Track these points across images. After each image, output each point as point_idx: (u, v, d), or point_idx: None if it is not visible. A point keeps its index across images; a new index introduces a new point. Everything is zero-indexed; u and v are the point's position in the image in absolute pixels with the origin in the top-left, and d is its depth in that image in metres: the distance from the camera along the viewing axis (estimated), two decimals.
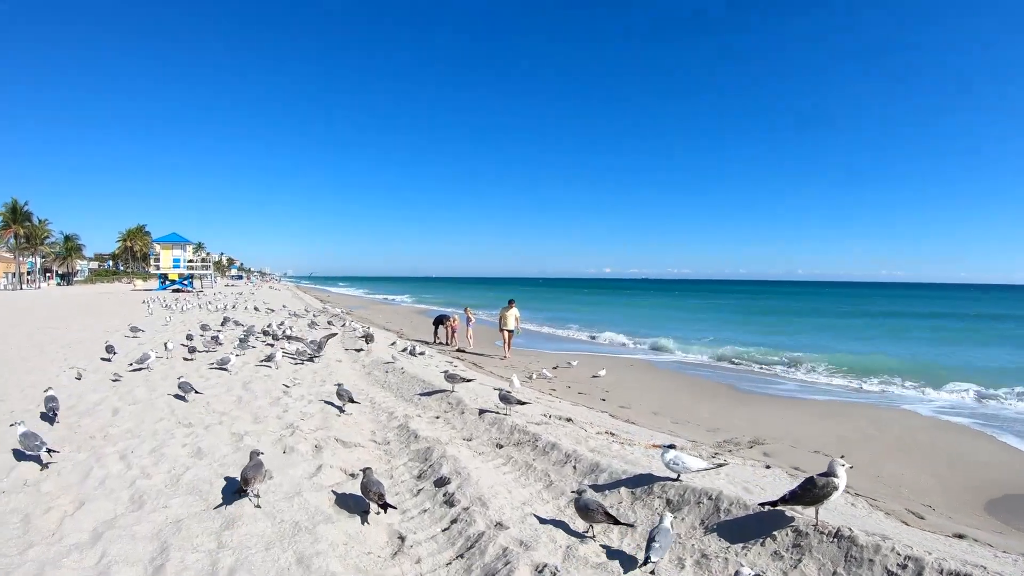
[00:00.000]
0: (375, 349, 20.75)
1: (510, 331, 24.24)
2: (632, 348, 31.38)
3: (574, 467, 8.53)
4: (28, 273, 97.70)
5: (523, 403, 11.79)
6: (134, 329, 23.18)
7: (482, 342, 28.20)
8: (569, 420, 11.88)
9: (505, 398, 11.50)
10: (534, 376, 18.52)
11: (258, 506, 6.89)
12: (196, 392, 12.54)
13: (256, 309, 39.50)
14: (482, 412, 11.67)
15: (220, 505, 6.87)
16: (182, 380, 12.69)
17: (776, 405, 17.44)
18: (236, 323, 27.59)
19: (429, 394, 13.60)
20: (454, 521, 6.80)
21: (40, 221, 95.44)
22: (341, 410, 11.99)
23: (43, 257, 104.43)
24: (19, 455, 8.19)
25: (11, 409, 10.90)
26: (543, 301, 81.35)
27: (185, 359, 17.04)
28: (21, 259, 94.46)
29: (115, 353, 16.99)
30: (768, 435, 13.24)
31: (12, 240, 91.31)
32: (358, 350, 20.96)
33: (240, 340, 20.01)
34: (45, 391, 10.69)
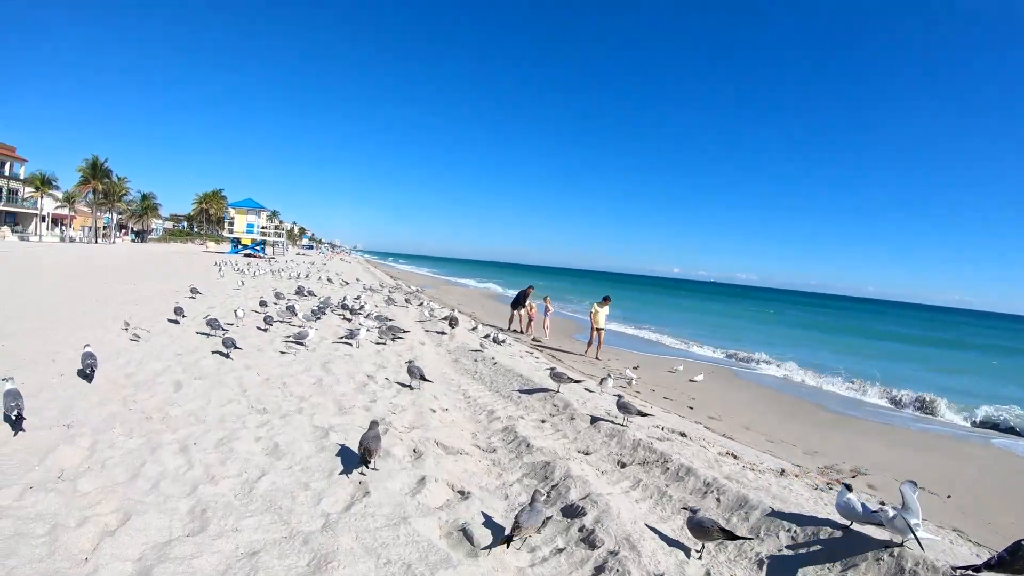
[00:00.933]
0: (458, 334, 19.15)
1: (600, 329, 22.09)
2: (708, 354, 29.23)
3: (717, 499, 6.93)
4: (104, 228, 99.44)
5: (645, 414, 10.04)
6: (194, 291, 22.08)
7: (557, 334, 26.62)
8: (683, 435, 10.06)
9: (624, 406, 9.70)
10: (632, 382, 16.68)
11: (375, 468, 6.73)
12: (237, 348, 12.39)
13: (330, 280, 38.04)
14: (595, 420, 9.95)
15: (307, 532, 5.30)
16: (225, 336, 12.68)
17: (869, 430, 15.89)
18: (310, 293, 26.22)
19: (530, 392, 11.91)
20: (600, 570, 5.34)
21: (119, 178, 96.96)
22: (411, 388, 11.21)
23: (120, 214, 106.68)
24: (6, 418, 7.00)
25: (60, 372, 9.70)
26: (614, 298, 79.17)
27: (259, 328, 15.66)
28: (98, 214, 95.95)
29: (184, 316, 15.84)
30: (868, 464, 11.76)
31: (91, 195, 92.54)
32: (440, 333, 19.38)
33: (313, 311, 18.62)
34: (85, 346, 10.02)
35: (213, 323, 14.17)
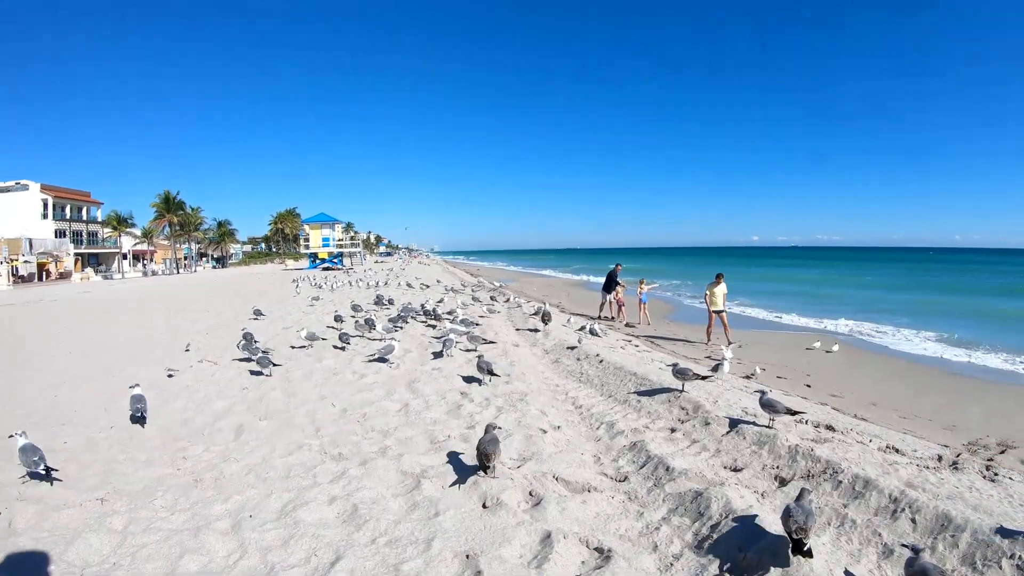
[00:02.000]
0: (552, 330, 17.58)
1: (719, 311, 20.01)
2: (807, 324, 27.19)
3: (912, 520, 5.33)
4: (185, 258, 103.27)
5: (794, 412, 8.11)
6: (257, 312, 21.27)
7: (653, 318, 25.07)
8: (829, 428, 8.29)
9: (769, 404, 7.92)
10: (756, 372, 14.71)
11: (495, 476, 6.21)
12: (276, 365, 12.04)
13: (409, 285, 37.10)
14: (734, 423, 8.17)
15: None
16: (261, 355, 12.14)
17: (1007, 395, 13.96)
18: (390, 301, 25.00)
19: (649, 394, 10.17)
20: None
21: (193, 209, 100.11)
22: (481, 383, 10.76)
23: (198, 243, 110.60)
24: (33, 475, 6.41)
25: (111, 424, 8.72)
26: (699, 272, 76.92)
27: (335, 348, 14.39)
28: (177, 245, 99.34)
29: (256, 342, 14.54)
30: (1014, 435, 10.20)
31: (167, 228, 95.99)
32: (532, 330, 17.84)
33: (391, 320, 17.27)
34: (131, 388, 8.95)
35: (249, 340, 13.57)
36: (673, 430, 8.54)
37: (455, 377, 11.52)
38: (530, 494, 6.06)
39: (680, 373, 9.94)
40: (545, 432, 8.18)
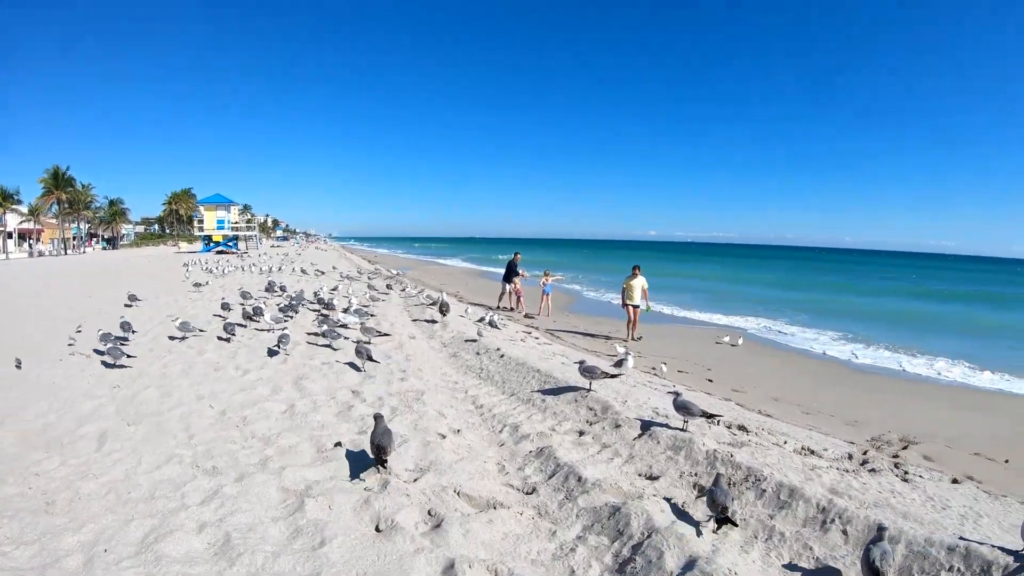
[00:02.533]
0: (451, 321, 17.01)
1: (636, 306, 19.48)
2: (712, 319, 27.48)
3: (843, 532, 5.08)
4: (74, 238, 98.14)
5: (710, 415, 7.69)
6: (132, 298, 19.86)
7: (553, 310, 24.99)
8: (742, 429, 8.00)
9: (684, 407, 7.47)
10: (664, 367, 14.35)
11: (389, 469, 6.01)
12: (131, 356, 11.08)
13: (303, 271, 36.08)
14: (647, 426, 7.72)
15: None
16: (111, 346, 11.03)
17: (909, 393, 14.40)
18: (282, 288, 23.93)
19: (554, 392, 9.66)
20: None
21: (83, 186, 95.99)
22: (359, 369, 10.79)
23: (88, 222, 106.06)
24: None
25: None
26: (596, 265, 77.56)
27: (220, 339, 13.39)
28: (66, 224, 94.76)
29: (133, 332, 13.62)
30: (916, 431, 10.63)
31: (55, 206, 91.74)
32: (430, 321, 17.24)
33: (281, 310, 16.37)
34: None
35: (125, 328, 12.88)
36: (582, 433, 8.07)
37: (347, 372, 10.82)
38: (429, 513, 5.44)
39: (587, 371, 9.39)
40: (444, 437, 7.57)
